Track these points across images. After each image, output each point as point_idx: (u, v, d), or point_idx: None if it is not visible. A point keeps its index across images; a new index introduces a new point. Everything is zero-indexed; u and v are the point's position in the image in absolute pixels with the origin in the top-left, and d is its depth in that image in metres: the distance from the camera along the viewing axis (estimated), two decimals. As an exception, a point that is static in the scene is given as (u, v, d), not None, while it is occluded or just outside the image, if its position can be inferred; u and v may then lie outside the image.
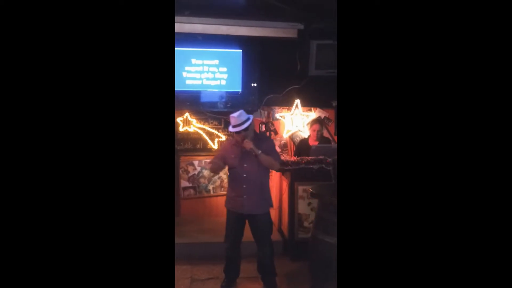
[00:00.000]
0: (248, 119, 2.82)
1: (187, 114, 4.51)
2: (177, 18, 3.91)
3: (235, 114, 2.83)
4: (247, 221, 2.92)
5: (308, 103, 4.54)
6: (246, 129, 2.80)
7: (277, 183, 4.27)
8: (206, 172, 4.68)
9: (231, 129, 2.86)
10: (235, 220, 2.90)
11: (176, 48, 4.15)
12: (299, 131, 4.53)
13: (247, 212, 2.84)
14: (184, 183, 4.65)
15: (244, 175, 2.84)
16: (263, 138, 3.06)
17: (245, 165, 2.85)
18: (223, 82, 4.26)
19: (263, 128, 4.62)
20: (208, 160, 4.66)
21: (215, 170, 3.13)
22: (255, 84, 4.35)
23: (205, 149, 4.65)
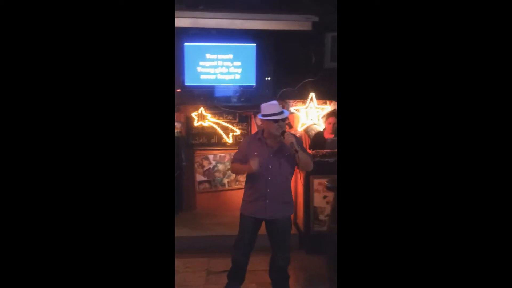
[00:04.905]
0: (282, 111, 2.53)
1: (201, 109, 4.54)
2: (191, 13, 3.94)
3: (273, 102, 2.54)
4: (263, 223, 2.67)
5: (323, 96, 4.50)
6: (284, 120, 2.49)
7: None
8: (221, 166, 4.70)
9: (271, 117, 2.46)
10: (253, 226, 2.61)
11: (190, 43, 4.18)
12: (314, 124, 4.50)
13: (269, 217, 2.57)
14: (199, 177, 4.69)
15: (269, 178, 2.51)
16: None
17: (270, 166, 2.51)
18: (237, 77, 4.26)
19: (278, 122, 4.61)
20: (222, 154, 4.69)
21: (239, 171, 2.80)
22: (269, 78, 4.34)
23: (220, 143, 4.67)
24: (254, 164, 2.45)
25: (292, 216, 4.09)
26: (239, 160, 2.65)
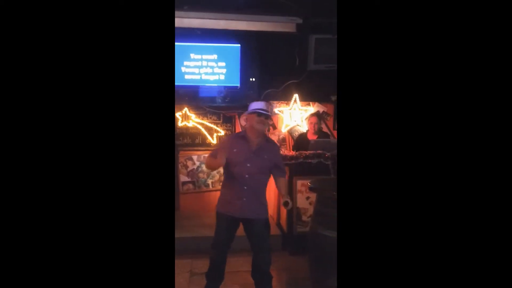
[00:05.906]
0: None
1: (186, 109, 4.52)
2: (176, 13, 3.91)
3: (261, 102, 2.65)
4: (241, 224, 2.65)
5: (307, 98, 4.55)
6: (267, 117, 2.57)
7: (276, 177, 4.28)
8: (205, 167, 4.69)
9: (256, 110, 2.54)
10: (229, 224, 2.60)
11: (175, 43, 4.15)
12: (298, 125, 4.54)
13: (245, 216, 2.57)
14: (183, 178, 4.67)
15: (246, 176, 2.52)
16: (271, 141, 2.75)
17: (248, 164, 2.53)
18: (222, 77, 4.26)
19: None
20: (207, 155, 4.68)
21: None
22: (254, 79, 4.35)
23: (204, 144, 4.66)
24: (220, 156, 2.45)
25: (275, 217, 4.15)
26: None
